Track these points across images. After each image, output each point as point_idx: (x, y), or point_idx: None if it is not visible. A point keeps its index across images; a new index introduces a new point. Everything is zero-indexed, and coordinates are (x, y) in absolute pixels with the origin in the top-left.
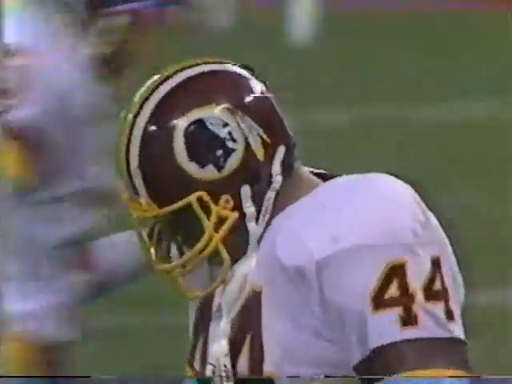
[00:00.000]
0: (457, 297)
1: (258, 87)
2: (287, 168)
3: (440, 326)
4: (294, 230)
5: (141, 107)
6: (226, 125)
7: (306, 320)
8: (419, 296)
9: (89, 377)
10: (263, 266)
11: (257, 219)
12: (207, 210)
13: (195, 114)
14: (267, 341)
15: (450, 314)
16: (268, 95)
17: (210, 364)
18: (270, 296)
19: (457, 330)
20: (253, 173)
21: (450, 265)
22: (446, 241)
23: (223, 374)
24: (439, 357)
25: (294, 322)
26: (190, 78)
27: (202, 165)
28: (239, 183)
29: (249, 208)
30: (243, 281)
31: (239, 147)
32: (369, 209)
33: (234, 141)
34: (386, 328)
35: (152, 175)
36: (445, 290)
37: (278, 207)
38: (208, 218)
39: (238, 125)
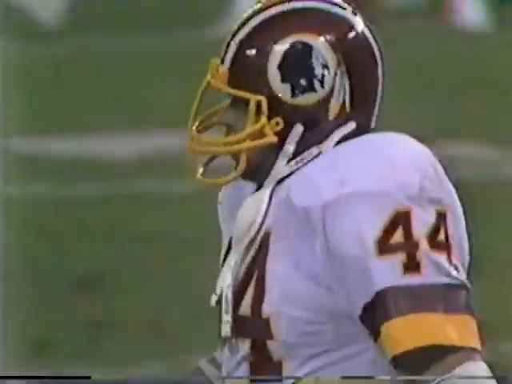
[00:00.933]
0: (460, 254)
1: (373, 56)
2: (344, 141)
3: (442, 274)
4: (307, 174)
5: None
6: (325, 67)
7: (307, 263)
8: (423, 243)
9: (89, 377)
10: (277, 208)
11: (289, 161)
12: (257, 118)
13: (311, 38)
14: (269, 281)
15: (452, 265)
16: (380, 72)
17: (216, 294)
18: (277, 237)
19: (459, 277)
20: (314, 122)
21: (456, 225)
22: (457, 204)
23: (224, 306)
24: (441, 302)
25: (296, 264)
26: (317, 9)
27: (283, 80)
28: (298, 119)
29: (290, 145)
30: (254, 212)
31: (320, 93)
32: (380, 161)
33: (322, 85)
34: (388, 272)
35: (244, 56)
36: (448, 243)
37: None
38: (253, 124)
39: (335, 76)
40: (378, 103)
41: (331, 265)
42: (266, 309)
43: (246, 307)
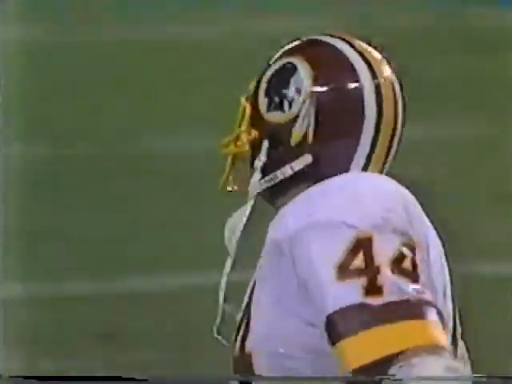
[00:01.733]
0: (433, 293)
1: (360, 102)
2: (309, 175)
3: (405, 294)
4: (282, 211)
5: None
6: (298, 91)
7: (284, 297)
8: (385, 268)
9: (90, 377)
10: (265, 248)
11: (262, 178)
12: (240, 122)
13: (300, 62)
14: (254, 316)
15: (418, 291)
16: (371, 123)
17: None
18: (260, 272)
19: (423, 295)
20: (277, 143)
21: (429, 266)
22: (433, 248)
23: (219, 309)
24: (398, 312)
25: (277, 299)
26: (327, 43)
27: (265, 94)
28: (266, 136)
29: (258, 160)
30: (235, 226)
31: (287, 114)
32: (345, 194)
33: (290, 107)
34: (346, 295)
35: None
36: (415, 273)
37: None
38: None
39: (303, 103)
40: (363, 153)
41: (303, 295)
42: (249, 344)
43: (237, 345)
